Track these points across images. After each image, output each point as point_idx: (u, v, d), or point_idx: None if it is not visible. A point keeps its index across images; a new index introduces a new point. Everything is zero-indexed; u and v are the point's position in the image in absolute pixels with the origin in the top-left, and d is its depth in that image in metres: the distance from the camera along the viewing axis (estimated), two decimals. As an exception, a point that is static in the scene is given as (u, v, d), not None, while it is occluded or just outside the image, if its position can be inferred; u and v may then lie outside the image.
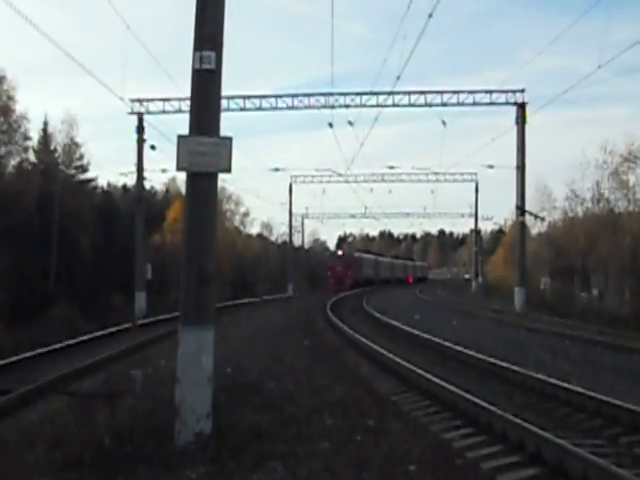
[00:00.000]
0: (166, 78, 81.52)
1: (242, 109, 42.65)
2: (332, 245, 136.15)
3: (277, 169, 67.67)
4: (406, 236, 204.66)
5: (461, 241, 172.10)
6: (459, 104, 42.33)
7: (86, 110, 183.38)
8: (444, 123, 43.92)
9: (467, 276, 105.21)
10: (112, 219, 60.71)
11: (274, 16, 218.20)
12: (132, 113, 42.31)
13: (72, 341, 24.15)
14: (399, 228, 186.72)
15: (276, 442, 9.45)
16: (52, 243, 52.63)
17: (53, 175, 56.85)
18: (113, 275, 54.16)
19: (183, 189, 14.22)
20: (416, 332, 26.02)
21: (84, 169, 62.68)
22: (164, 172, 50.98)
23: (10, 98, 52.42)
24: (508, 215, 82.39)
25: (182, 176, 8.13)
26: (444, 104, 42.22)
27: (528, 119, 42.33)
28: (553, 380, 14.13)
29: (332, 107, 42.73)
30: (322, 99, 42.92)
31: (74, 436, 10.14)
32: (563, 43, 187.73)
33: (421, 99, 42.21)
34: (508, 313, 41.07)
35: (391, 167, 64.61)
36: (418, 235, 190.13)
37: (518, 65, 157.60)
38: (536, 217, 55.98)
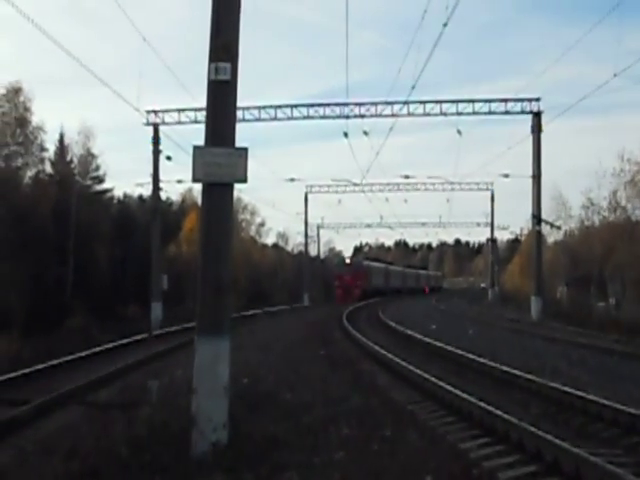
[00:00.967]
0: (182, 89, 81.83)
1: (257, 119, 42.81)
2: (348, 255, 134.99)
3: (293, 179, 67.97)
4: (422, 245, 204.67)
5: (477, 250, 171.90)
6: (474, 113, 42.36)
7: (102, 121, 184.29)
8: (459, 132, 43.95)
9: (483, 285, 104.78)
10: (128, 230, 60.84)
11: (288, 26, 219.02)
12: (148, 124, 42.55)
13: (89, 352, 24.21)
14: (415, 238, 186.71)
15: (292, 452, 9.46)
16: (68, 254, 52.84)
17: (69, 186, 57.03)
18: (129, 285, 54.38)
19: (199, 200, 14.31)
20: (432, 341, 25.99)
21: (100, 180, 62.94)
22: (180, 183, 51.23)
23: (27, 110, 52.70)
24: (524, 224, 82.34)
25: (198, 187, 8.20)
26: (459, 113, 42.26)
27: (544, 128, 42.34)
28: (570, 389, 14.09)
29: (347, 117, 42.87)
30: (337, 109, 43.08)
31: (91, 446, 10.18)
32: (578, 52, 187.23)
33: (436, 108, 42.30)
34: (524, 322, 40.97)
35: (406, 176, 64.82)
36: (434, 244, 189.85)
37: (533, 74, 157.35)
38: (552, 226, 55.86)
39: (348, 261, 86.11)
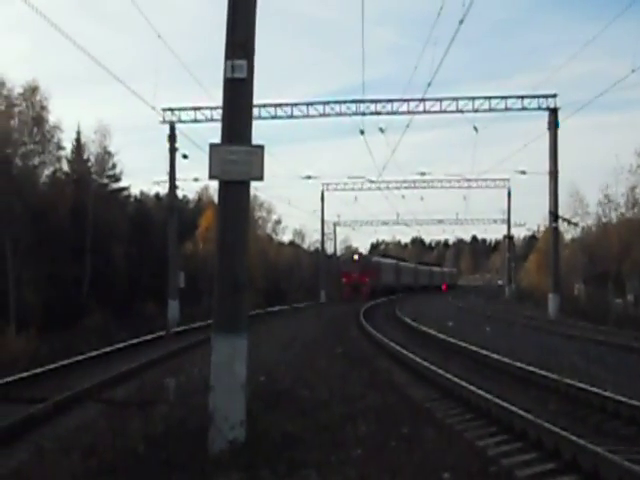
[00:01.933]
0: (198, 87, 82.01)
1: (274, 117, 42.81)
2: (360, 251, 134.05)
3: (309, 177, 67.73)
4: (438, 243, 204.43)
5: (494, 247, 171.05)
6: (491, 110, 42.25)
7: (119, 119, 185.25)
8: (476, 129, 43.80)
9: (500, 282, 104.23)
10: (145, 228, 61.01)
11: (304, 24, 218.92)
12: (164, 122, 42.60)
13: (106, 349, 24.30)
14: (431, 235, 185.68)
15: (310, 450, 9.45)
16: (85, 252, 53.05)
17: (86, 185, 57.27)
18: (146, 283, 54.52)
19: (215, 197, 14.31)
20: (449, 339, 25.98)
21: (117, 178, 63.13)
22: (196, 181, 51.45)
23: (43, 108, 52.89)
24: (541, 221, 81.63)
25: (214, 184, 8.18)
26: (476, 110, 42.13)
27: (560, 124, 42.18)
28: (587, 386, 14.05)
29: (363, 114, 42.80)
30: (353, 106, 42.97)
31: (109, 443, 10.21)
32: (595, 48, 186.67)
33: (452, 105, 42.18)
34: (542, 319, 40.87)
35: (423, 174, 64.77)
36: (450, 242, 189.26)
37: (550, 70, 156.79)
38: (569, 223, 55.64)
39: (356, 257, 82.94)
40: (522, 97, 41.95)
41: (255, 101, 10.20)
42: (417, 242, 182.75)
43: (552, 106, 41.78)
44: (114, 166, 62.47)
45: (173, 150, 42.64)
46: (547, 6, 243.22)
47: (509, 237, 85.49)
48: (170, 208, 45.03)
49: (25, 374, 18.12)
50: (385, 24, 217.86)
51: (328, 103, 43.90)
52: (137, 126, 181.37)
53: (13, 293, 44.62)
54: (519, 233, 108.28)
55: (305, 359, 20.58)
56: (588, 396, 13.51)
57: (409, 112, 41.51)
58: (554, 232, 45.10)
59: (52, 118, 53.68)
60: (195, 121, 42.90)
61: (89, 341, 28.21)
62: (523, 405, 12.36)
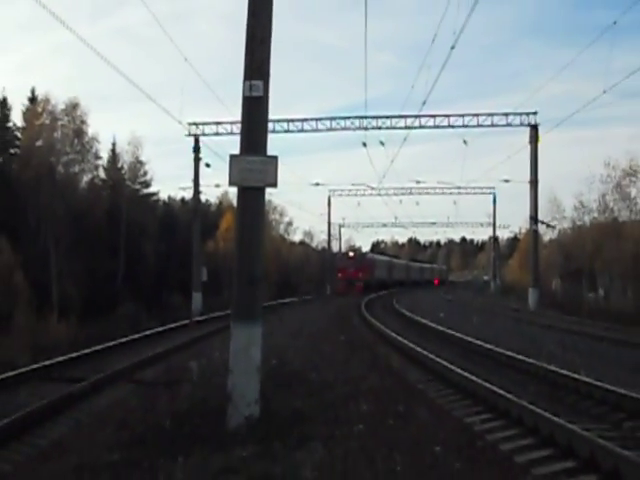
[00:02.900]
0: (219, 104, 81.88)
1: (286, 131, 42.73)
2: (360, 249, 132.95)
3: (317, 184, 67.68)
4: (431, 243, 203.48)
5: (480, 247, 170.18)
6: (478, 126, 42.13)
7: (149, 133, 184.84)
8: (465, 142, 43.86)
9: (486, 278, 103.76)
10: (172, 228, 61.19)
11: (314, 49, 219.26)
12: (189, 135, 42.55)
13: (137, 335, 24.32)
14: (425, 236, 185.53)
15: (316, 425, 9.46)
16: (119, 249, 53.22)
17: (120, 190, 57.50)
18: (172, 277, 54.63)
19: (234, 202, 14.33)
20: (440, 328, 25.94)
21: (147, 184, 63.40)
22: (218, 187, 51.22)
23: (83, 122, 53.18)
24: (522, 224, 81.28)
25: (233, 190, 8.21)
26: (465, 126, 42.10)
27: (540, 139, 42.02)
28: (564, 371, 14.02)
29: (365, 129, 42.73)
30: (357, 122, 42.89)
31: (139, 418, 10.24)
32: (571, 71, 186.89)
33: (445, 121, 42.10)
34: (523, 311, 40.81)
35: (418, 182, 64.47)
36: (442, 242, 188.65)
37: (531, 91, 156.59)
38: (548, 226, 55.64)
39: (351, 254, 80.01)
40: (506, 114, 41.84)
41: (270, 116, 10.20)
42: (412, 242, 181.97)
43: (533, 123, 41.65)
44: (145, 173, 62.78)
45: (197, 160, 42.61)
46: (528, 34, 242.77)
47: (494, 238, 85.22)
48: (194, 211, 45.03)
49: (65, 357, 18.15)
50: (385, 49, 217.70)
51: (334, 119, 43.88)
52: (166, 138, 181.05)
53: (56, 286, 44.77)
54: (503, 234, 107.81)
55: (312, 345, 20.58)
56: (564, 379, 13.48)
57: (406, 127, 41.46)
58: (534, 234, 45.08)
59: (91, 131, 54.05)
60: (217, 134, 42.86)
61: (122, 328, 28.27)
62: (506, 387, 12.34)
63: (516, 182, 54.93)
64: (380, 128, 42.54)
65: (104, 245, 51.32)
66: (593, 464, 7.98)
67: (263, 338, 9.82)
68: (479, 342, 20.28)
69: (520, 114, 41.69)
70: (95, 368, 16.45)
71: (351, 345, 20.99)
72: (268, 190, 10.16)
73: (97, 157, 56.57)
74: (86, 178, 55.66)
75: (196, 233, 43.32)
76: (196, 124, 42.60)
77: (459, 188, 64.81)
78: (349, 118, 43.56)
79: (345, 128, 43.50)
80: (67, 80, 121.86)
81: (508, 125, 42.11)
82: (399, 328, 26.98)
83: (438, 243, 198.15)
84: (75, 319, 36.38)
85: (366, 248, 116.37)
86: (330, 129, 43.86)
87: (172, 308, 43.62)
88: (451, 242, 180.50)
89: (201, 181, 43.83)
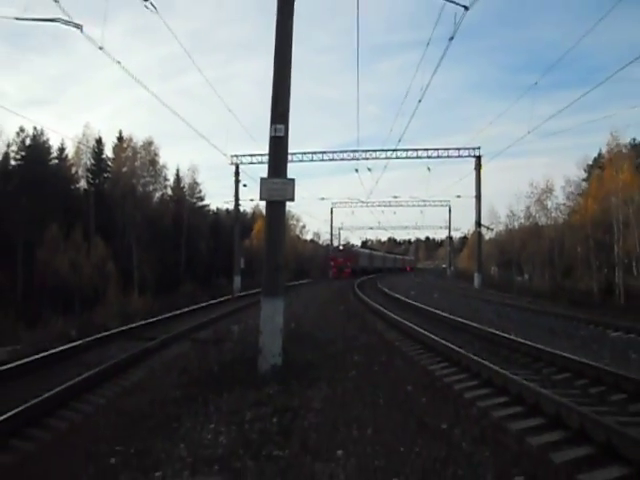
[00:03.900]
0: (253, 141, 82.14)
1: (300, 160, 42.63)
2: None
3: (323, 198, 68.88)
4: (404, 241, 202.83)
5: (440, 244, 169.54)
6: (438, 157, 41.92)
7: (203, 162, 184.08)
8: (429, 169, 43.98)
9: (444, 266, 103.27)
10: (218, 231, 61.27)
11: (321, 101, 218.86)
12: (232, 164, 42.55)
13: (193, 307, 24.37)
14: (400, 235, 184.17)
15: (322, 370, 9.47)
16: (181, 245, 53.35)
17: (182, 203, 57.64)
18: (220, 265, 54.68)
19: (264, 212, 14.37)
20: (411, 301, 25.86)
21: (201, 199, 63.67)
22: (252, 201, 50.98)
23: (156, 155, 53.55)
24: (470, 227, 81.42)
25: (263, 203, 8.12)
26: (429, 157, 41.90)
27: (482, 166, 41.92)
28: (499, 332, 13.99)
29: (357, 159, 42.50)
30: (351, 154, 42.75)
31: (195, 366, 10.26)
32: (506, 117, 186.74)
33: (414, 154, 41.85)
34: (470, 289, 40.67)
35: (395, 197, 65.31)
36: (412, 240, 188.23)
37: (476, 132, 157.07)
38: (488, 228, 55.64)
39: (341, 247, 76.68)
40: (458, 149, 41.68)
41: (289, 150, 10.19)
42: (391, 240, 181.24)
43: (477, 155, 41.48)
44: (200, 191, 63.09)
45: (237, 181, 42.59)
46: (474, 90, 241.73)
47: (450, 237, 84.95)
48: (235, 218, 45.07)
49: (143, 322, 18.21)
50: (371, 102, 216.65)
51: (335, 152, 43.79)
52: (215, 166, 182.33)
53: (136, 271, 44.95)
54: (456, 235, 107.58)
55: (319, 313, 20.58)
56: (499, 338, 13.45)
57: (386, 158, 41.26)
58: (478, 234, 44.91)
59: (161, 161, 54.53)
60: (251, 163, 42.79)
61: (183, 302, 28.31)
62: (457, 344, 12.32)
63: (465, 197, 55.44)
64: (368, 159, 42.42)
65: (170, 242, 51.53)
66: (521, 400, 7.96)
67: (284, 308, 9.83)
68: (438, 311, 20.22)
69: (468, 149, 41.61)
70: (164, 330, 16.51)
71: (347, 313, 20.99)
72: (288, 203, 10.14)
73: (166, 180, 57.03)
74: (158, 195, 55.95)
75: (236, 234, 43.37)
76: (236, 156, 42.61)
77: (424, 201, 64.72)
78: (345, 151, 43.50)
79: (343, 159, 43.44)
80: (144, 124, 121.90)
81: (459, 156, 41.95)
82: (382, 302, 26.93)
83: (409, 241, 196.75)
84: (150, 295, 36.55)
85: (358, 244, 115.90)
86: (332, 159, 43.78)
87: (219, 287, 43.63)
88: (418, 240, 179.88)
89: (240, 196, 43.90)
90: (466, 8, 11.35)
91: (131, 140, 53.06)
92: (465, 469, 5.41)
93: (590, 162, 52.74)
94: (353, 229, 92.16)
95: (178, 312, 21.83)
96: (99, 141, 51.74)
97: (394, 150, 40.47)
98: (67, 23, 11.44)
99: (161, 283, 43.97)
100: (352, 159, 43.09)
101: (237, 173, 42.47)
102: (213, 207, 70.12)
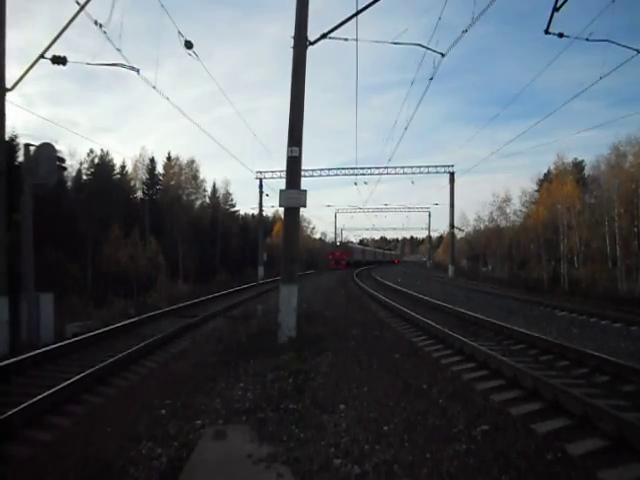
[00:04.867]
0: (273, 160, 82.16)
1: (311, 175, 42.51)
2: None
3: (328, 205, 69.96)
4: (393, 239, 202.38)
5: (421, 242, 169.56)
6: (420, 173, 41.68)
7: (234, 176, 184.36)
8: (413, 182, 45.33)
9: (424, 259, 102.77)
10: (247, 231, 61.20)
11: (326, 129, 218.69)
12: (257, 178, 42.48)
13: (227, 291, 24.41)
14: (390, 235, 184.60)
15: (328, 342, 9.46)
16: (217, 242, 53.36)
17: (217, 209, 57.65)
18: (248, 258, 54.62)
19: (282, 216, 14.33)
20: (398, 287, 25.80)
21: (233, 206, 63.53)
22: (272, 207, 51.40)
23: (197, 171, 53.44)
24: (445, 228, 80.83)
25: (281, 209, 8.10)
26: (413, 173, 41.58)
27: (455, 180, 41.70)
28: (468, 312, 13.94)
29: (356, 174, 42.38)
30: (351, 170, 42.73)
31: (228, 338, 10.28)
32: (474, 141, 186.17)
33: (401, 170, 41.69)
34: (445, 278, 40.46)
35: (386, 204, 65.01)
36: (399, 238, 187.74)
37: (450, 153, 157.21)
38: (459, 229, 55.18)
39: (338, 244, 74.14)
40: (436, 166, 41.27)
41: (302, 167, 10.19)
42: (383, 239, 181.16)
43: (451, 171, 41.20)
44: (232, 199, 62.96)
45: (261, 192, 42.39)
46: (449, 120, 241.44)
47: (429, 237, 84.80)
48: (259, 221, 45.00)
49: (187, 303, 18.26)
50: (367, 129, 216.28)
51: (338, 169, 43.46)
52: (243, 179, 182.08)
53: (181, 263, 45.01)
54: (434, 234, 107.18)
55: (326, 296, 20.55)
56: (468, 317, 13.41)
57: (379, 174, 41.10)
58: (452, 234, 44.64)
59: (201, 176, 54.31)
60: (272, 177, 42.60)
61: (219, 287, 28.34)
62: (435, 321, 12.29)
63: (442, 205, 55.44)
64: (364, 174, 42.14)
65: (208, 240, 51.55)
66: (485, 365, 7.94)
67: (298, 292, 9.83)
68: (420, 295, 20.18)
69: (444, 166, 41.11)
70: (204, 309, 16.56)
71: (348, 296, 20.96)
72: (301, 209, 10.14)
73: (204, 191, 56.76)
74: (198, 202, 55.81)
75: (260, 233, 43.33)
76: (260, 172, 42.47)
77: (409, 208, 65.56)
78: (346, 168, 43.22)
79: (344, 174, 43.16)
80: (188, 146, 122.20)
81: (437, 172, 41.55)
82: (375, 287, 26.89)
83: (397, 239, 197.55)
84: (192, 282, 36.57)
85: (356, 242, 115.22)
86: (336, 174, 43.54)
87: (247, 276, 43.57)
88: (405, 238, 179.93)
89: (263, 204, 43.86)
90: (443, 55, 11.30)
91: (177, 159, 53.13)
92: (441, 419, 5.41)
93: (541, 177, 52.21)
94: (352, 230, 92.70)
95: (215, 295, 21.88)
96: (152, 160, 51.92)
97: (385, 167, 40.18)
98: (127, 67, 11.45)
99: (200, 272, 44.01)
100: (352, 174, 42.82)
101: (261, 185, 42.31)
102: (242, 212, 70.18)
